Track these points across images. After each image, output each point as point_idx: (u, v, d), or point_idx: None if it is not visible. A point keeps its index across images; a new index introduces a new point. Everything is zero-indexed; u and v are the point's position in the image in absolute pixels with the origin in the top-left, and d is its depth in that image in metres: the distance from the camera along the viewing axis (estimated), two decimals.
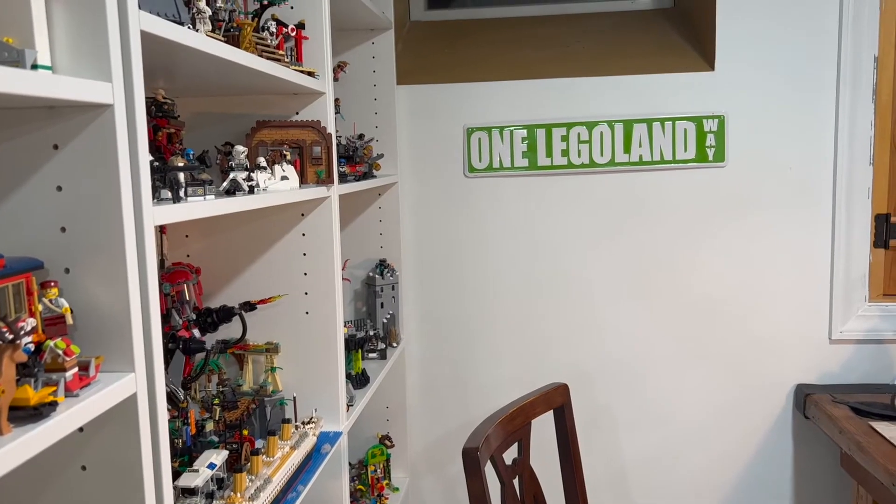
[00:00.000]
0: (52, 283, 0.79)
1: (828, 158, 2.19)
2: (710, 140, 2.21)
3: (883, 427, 1.86)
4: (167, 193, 1.01)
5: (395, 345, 2.19)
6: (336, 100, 1.98)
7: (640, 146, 2.23)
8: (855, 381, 2.24)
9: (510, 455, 1.63)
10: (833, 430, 1.96)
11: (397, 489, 2.23)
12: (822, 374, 2.26)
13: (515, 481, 1.63)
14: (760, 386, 2.28)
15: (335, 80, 1.99)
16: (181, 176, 1.01)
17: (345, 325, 1.88)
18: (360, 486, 2.09)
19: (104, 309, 0.83)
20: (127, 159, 0.82)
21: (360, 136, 1.97)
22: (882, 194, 2.21)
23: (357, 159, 1.88)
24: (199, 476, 1.18)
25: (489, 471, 1.50)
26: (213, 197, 1.07)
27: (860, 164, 2.18)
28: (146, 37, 0.87)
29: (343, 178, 1.78)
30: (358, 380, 1.85)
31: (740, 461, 2.32)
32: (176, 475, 1.20)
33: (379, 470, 2.15)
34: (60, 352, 0.74)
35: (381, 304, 2.20)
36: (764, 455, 2.31)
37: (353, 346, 1.86)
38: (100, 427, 0.83)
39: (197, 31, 1.06)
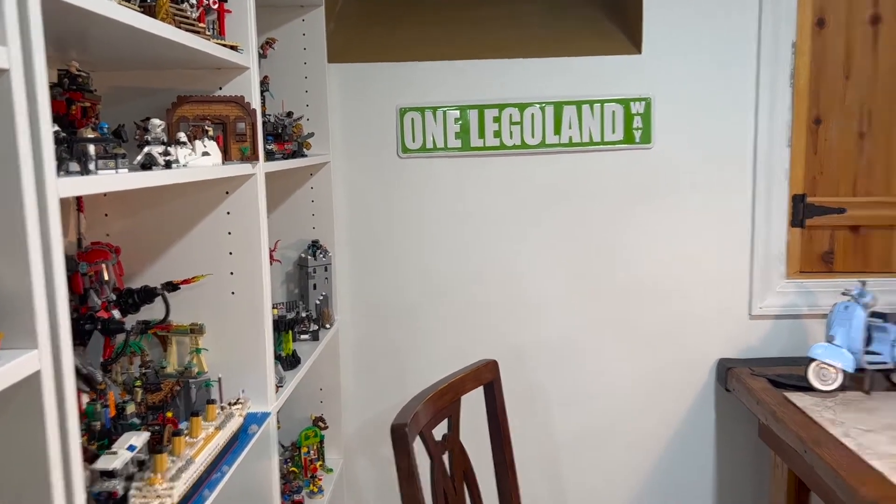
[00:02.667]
0: None
1: (748, 140, 2.27)
2: (638, 122, 2.25)
3: (797, 398, 1.95)
4: (76, 167, 0.97)
5: (328, 326, 2.18)
6: (265, 77, 1.94)
7: (570, 128, 2.26)
8: (773, 354, 2.34)
9: (440, 432, 1.64)
10: (751, 401, 2.04)
11: (331, 470, 2.23)
12: (743, 348, 2.35)
13: (445, 457, 1.64)
14: (685, 361, 2.36)
15: (263, 57, 1.95)
16: (91, 148, 0.97)
17: (274, 308, 1.85)
18: (293, 468, 2.08)
19: (5, 284, 0.79)
20: (26, 127, 0.78)
21: (289, 114, 1.94)
22: (798, 175, 2.30)
23: (286, 137, 1.85)
24: (118, 458, 1.15)
25: (419, 448, 1.51)
26: (126, 171, 1.04)
27: (778, 146, 2.26)
28: (49, 0, 0.83)
29: (270, 157, 1.75)
30: (288, 361, 1.83)
31: (666, 434, 2.40)
32: (95, 458, 1.17)
33: (312, 451, 2.14)
34: None
35: (314, 285, 2.18)
36: (688, 428, 2.39)
37: (283, 327, 1.84)
38: (2, 407, 0.80)
39: None
